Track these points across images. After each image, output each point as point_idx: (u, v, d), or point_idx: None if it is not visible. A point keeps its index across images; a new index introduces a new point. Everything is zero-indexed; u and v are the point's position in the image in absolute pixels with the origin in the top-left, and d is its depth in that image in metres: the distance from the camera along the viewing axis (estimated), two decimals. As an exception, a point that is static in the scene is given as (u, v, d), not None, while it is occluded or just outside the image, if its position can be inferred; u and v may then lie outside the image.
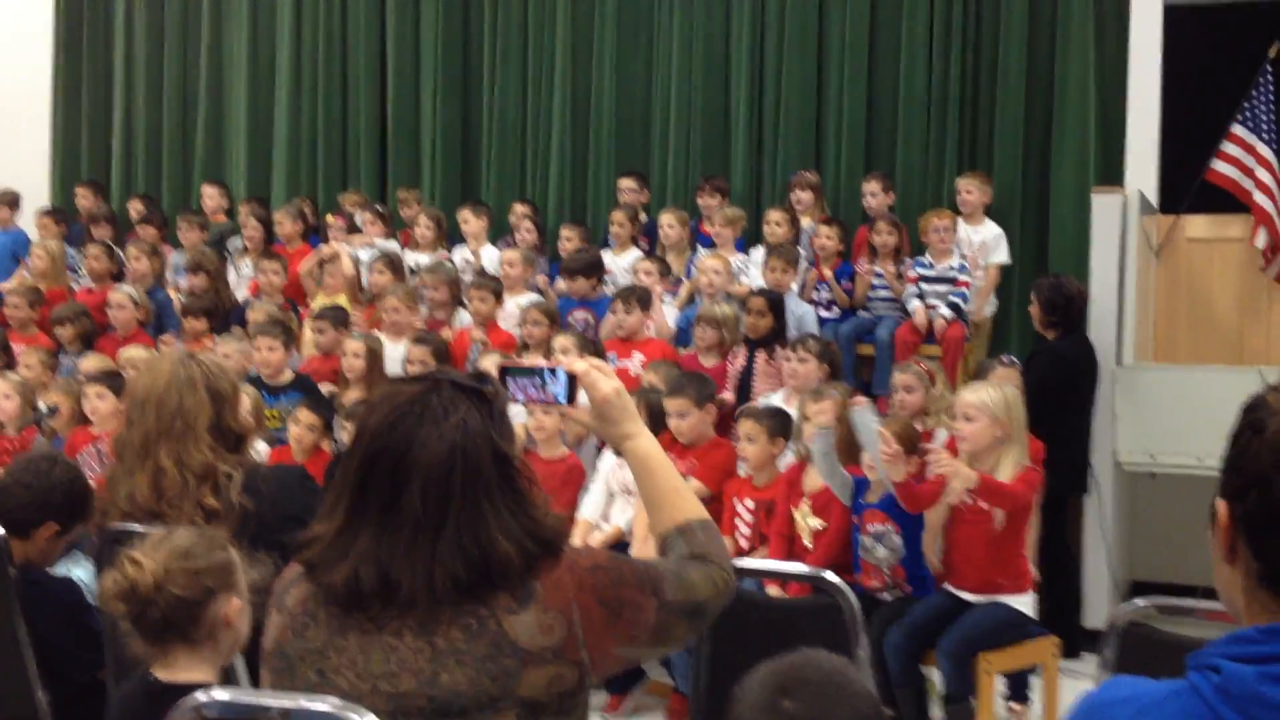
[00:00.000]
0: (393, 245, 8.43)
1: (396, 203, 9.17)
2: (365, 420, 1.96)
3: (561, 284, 7.72)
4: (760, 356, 6.60)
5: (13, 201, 9.67)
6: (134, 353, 6.79)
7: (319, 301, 7.95)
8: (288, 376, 6.70)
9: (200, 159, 10.21)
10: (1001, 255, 7.47)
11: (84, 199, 9.88)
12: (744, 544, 5.30)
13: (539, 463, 5.77)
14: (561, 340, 6.52)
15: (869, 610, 4.66)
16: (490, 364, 5.86)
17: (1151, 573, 6.87)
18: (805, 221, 7.79)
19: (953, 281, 7.07)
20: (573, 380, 2.18)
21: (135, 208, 9.61)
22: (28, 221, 9.62)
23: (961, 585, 4.71)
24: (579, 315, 7.38)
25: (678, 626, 2.02)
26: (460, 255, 8.34)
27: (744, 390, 6.55)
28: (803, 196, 7.89)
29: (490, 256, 8.21)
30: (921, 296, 7.11)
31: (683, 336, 7.20)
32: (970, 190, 7.51)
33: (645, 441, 2.20)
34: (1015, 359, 6.20)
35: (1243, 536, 1.35)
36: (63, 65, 10.63)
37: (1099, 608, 6.20)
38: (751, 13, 8.53)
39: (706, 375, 6.09)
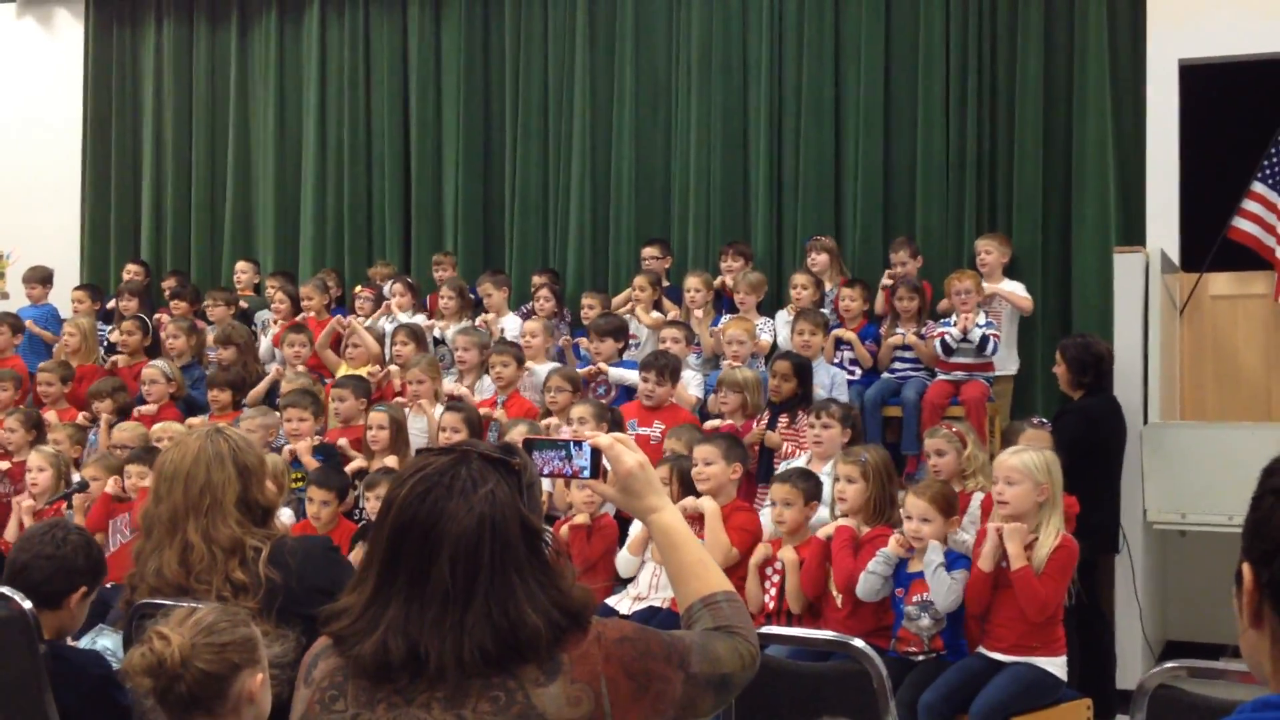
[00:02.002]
0: (416, 318, 8.47)
1: (430, 267, 9.22)
2: (394, 491, 1.97)
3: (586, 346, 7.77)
4: (782, 420, 6.61)
5: (45, 278, 9.79)
6: (169, 427, 6.83)
7: (341, 371, 8.00)
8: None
9: (228, 236, 10.32)
10: (1020, 290, 7.46)
11: (134, 273, 9.95)
12: (770, 604, 5.27)
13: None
14: (579, 410, 6.53)
15: (901, 672, 4.64)
16: (516, 436, 5.90)
17: (1185, 632, 6.79)
18: (826, 285, 7.84)
19: (979, 341, 7.02)
20: (597, 454, 2.19)
21: (168, 284, 9.69)
22: (55, 296, 9.78)
23: (995, 646, 4.70)
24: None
25: (704, 699, 2.02)
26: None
27: (765, 453, 6.55)
28: (819, 260, 7.91)
29: (511, 325, 8.26)
30: (950, 355, 7.09)
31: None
32: (989, 250, 7.53)
33: (669, 515, 2.21)
34: (1045, 420, 6.16)
35: (1269, 601, 1.34)
36: (91, 144, 10.78)
37: (1133, 669, 6.12)
38: (769, 81, 8.59)
39: (741, 440, 6.16)
